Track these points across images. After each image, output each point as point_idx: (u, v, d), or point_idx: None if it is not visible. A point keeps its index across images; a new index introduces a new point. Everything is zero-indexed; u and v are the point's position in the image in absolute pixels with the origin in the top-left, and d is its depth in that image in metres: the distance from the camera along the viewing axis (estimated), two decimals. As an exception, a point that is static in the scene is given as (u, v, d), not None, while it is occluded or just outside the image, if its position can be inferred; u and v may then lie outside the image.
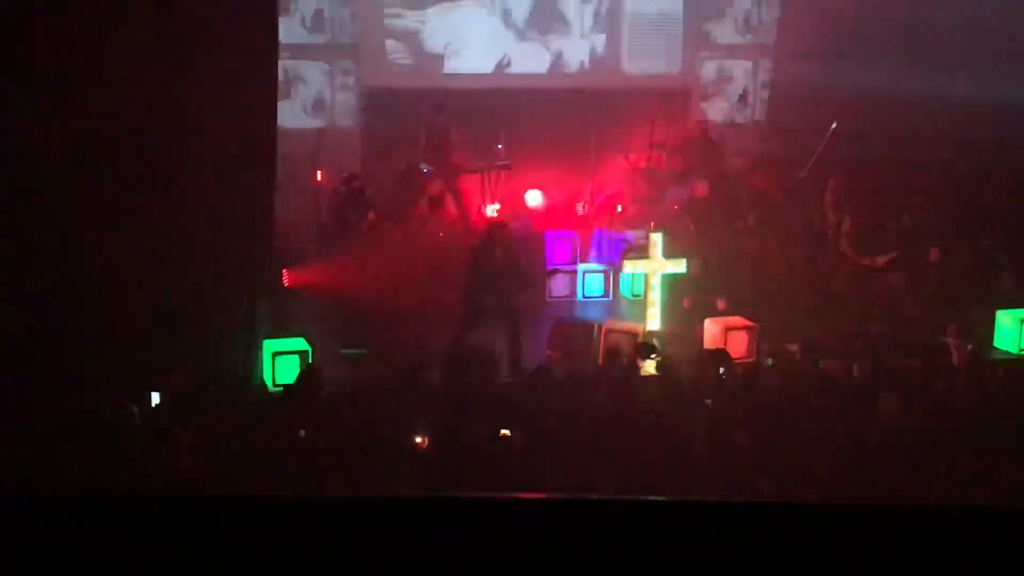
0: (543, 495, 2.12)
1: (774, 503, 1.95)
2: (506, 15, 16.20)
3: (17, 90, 9.58)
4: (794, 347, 11.17)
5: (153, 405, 9.59)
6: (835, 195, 14.05)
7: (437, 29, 16.08)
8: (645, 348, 11.09)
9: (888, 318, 12.51)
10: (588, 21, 16.43)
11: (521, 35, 16.29)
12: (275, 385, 11.01)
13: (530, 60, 16.34)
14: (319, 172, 14.47)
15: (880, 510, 2.02)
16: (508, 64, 16.30)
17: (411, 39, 16.06)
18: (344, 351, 11.82)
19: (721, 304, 12.76)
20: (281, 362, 11.11)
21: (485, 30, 16.19)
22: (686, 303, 13.02)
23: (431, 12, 16.02)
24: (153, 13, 9.92)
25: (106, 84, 9.65)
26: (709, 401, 9.93)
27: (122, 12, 9.76)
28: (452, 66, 16.17)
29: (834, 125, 14.28)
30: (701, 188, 14.23)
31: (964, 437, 8.89)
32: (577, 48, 16.47)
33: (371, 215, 14.09)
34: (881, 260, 13.20)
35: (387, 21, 15.96)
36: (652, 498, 2.00)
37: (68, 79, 9.60)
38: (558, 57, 16.42)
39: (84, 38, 9.62)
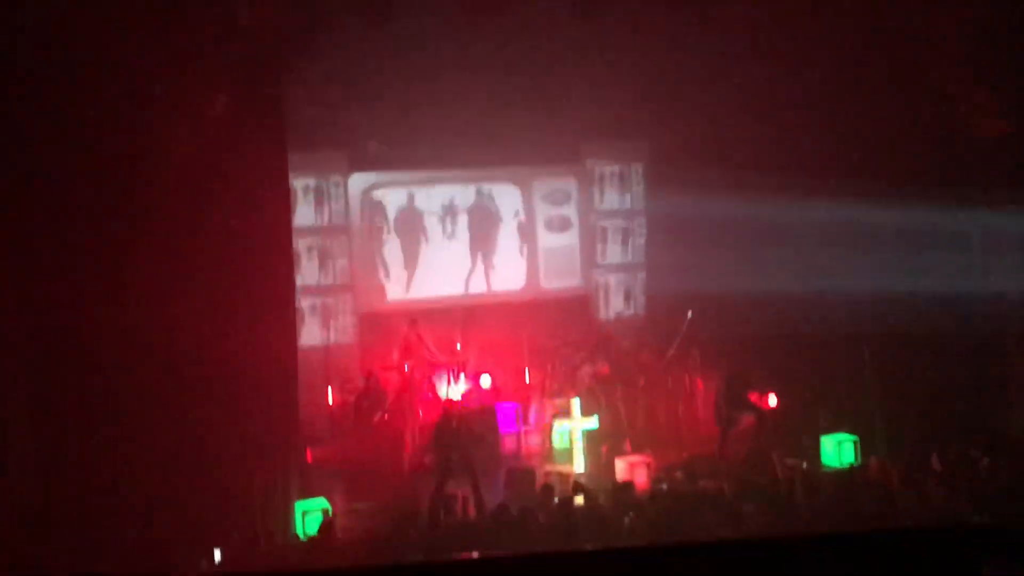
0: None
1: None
2: (460, 255, 16.65)
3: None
4: (679, 474, 11.25)
5: (216, 560, 9.47)
6: (697, 363, 14.31)
7: (408, 262, 16.44)
8: (576, 485, 11.15)
9: (744, 448, 12.64)
10: (516, 254, 16.89)
11: (471, 266, 16.70)
12: (304, 535, 10.84)
13: (477, 284, 16.71)
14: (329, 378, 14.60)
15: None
16: (463, 287, 16.63)
17: (389, 273, 16.40)
18: (355, 505, 11.73)
19: (627, 446, 12.86)
20: (308, 518, 10.91)
21: (443, 264, 16.59)
22: (603, 448, 13.10)
23: (402, 251, 16.42)
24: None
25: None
26: (627, 520, 9.98)
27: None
28: (420, 290, 16.45)
29: (690, 314, 14.55)
30: (603, 367, 14.42)
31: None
32: (511, 273, 16.88)
33: (382, 409, 14.00)
34: (744, 415, 13.31)
35: (372, 261, 16.29)
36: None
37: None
38: (496, 280, 16.79)
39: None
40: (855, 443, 12.39)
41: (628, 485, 11.01)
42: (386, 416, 13.85)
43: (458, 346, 15.42)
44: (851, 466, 11.90)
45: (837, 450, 12.36)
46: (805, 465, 11.43)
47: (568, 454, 13.04)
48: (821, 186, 13.32)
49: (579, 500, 10.74)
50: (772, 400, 13.39)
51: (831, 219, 13.66)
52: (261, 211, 10.74)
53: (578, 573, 1.83)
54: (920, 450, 11.04)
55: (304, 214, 15.45)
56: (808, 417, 13.18)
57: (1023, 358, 12.76)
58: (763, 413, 13.25)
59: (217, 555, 9.44)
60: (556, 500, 10.70)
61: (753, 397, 13.38)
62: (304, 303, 15.13)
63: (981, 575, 1.51)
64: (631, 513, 10.01)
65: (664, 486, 11.17)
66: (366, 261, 16.24)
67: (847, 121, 13.30)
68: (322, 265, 15.81)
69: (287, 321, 11.25)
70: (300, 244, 14.75)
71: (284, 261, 11.34)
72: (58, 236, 9.28)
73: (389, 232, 16.41)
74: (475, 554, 7.71)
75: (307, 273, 15.45)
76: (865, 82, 12.99)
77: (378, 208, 16.33)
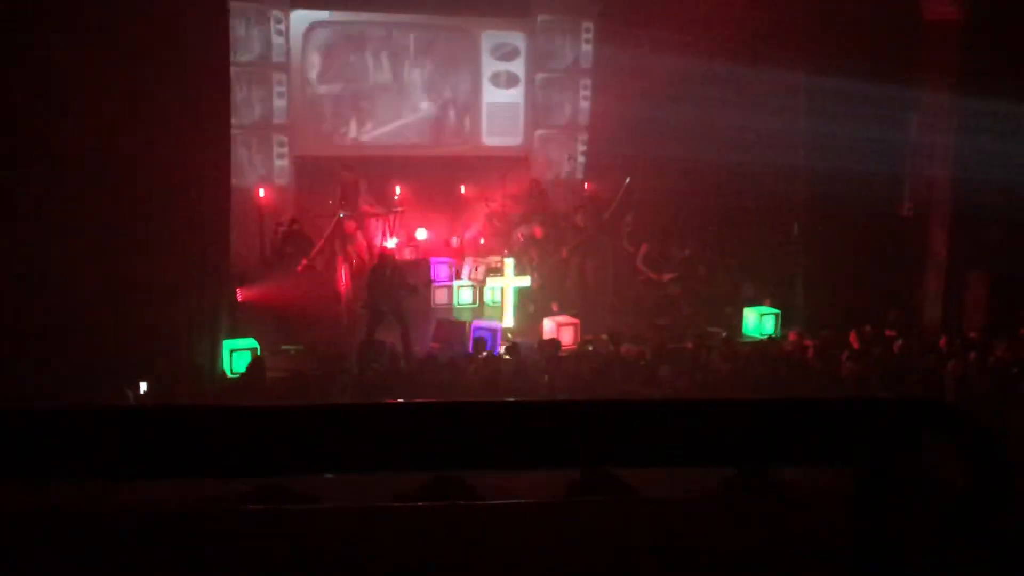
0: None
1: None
2: (404, 103, 16.20)
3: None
4: (604, 337, 11.41)
5: (142, 391, 9.41)
6: (630, 228, 14.31)
7: (349, 107, 15.98)
8: (504, 342, 11.26)
9: (669, 316, 12.85)
10: (461, 107, 16.47)
11: (412, 117, 16.27)
12: (232, 373, 10.86)
13: (419, 135, 16.34)
14: (262, 219, 14.29)
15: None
16: (404, 137, 16.24)
17: (329, 116, 15.93)
18: (283, 347, 11.70)
19: (555, 307, 12.95)
20: (236, 356, 10.93)
21: (386, 111, 16.15)
22: (531, 307, 13.20)
23: (344, 94, 15.94)
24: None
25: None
26: (547, 377, 10.15)
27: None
28: (359, 136, 16.04)
29: (628, 179, 14.45)
30: (538, 229, 14.33)
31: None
32: (453, 127, 16.49)
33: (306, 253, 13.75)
34: (666, 276, 13.46)
35: (312, 102, 15.77)
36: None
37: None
38: (439, 133, 16.43)
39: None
40: (777, 316, 12.67)
41: (555, 345, 11.14)
42: (308, 263, 13.63)
43: (395, 196, 15.17)
44: (769, 337, 12.13)
45: (759, 322, 12.63)
46: (725, 335, 11.65)
47: (498, 311, 13.12)
48: (770, 55, 13.15)
49: (506, 356, 10.87)
50: (701, 271, 13.55)
51: (776, 90, 13.53)
52: (198, 38, 10.25)
53: (500, 422, 1.75)
54: (839, 327, 11.32)
55: (243, 47, 14.77)
56: (733, 288, 13.39)
57: (944, 244, 13.00)
58: (690, 282, 13.44)
59: (143, 387, 9.38)
60: (483, 354, 10.82)
61: (682, 265, 13.54)
62: (240, 139, 14.63)
63: (919, 447, 1.48)
64: (554, 371, 10.19)
65: (590, 347, 11.36)
66: (305, 102, 15.72)
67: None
68: (260, 102, 15.26)
69: (221, 155, 10.93)
70: (237, 78, 14.10)
71: (220, 93, 10.92)
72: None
73: (330, 73, 15.83)
74: (400, 400, 7.71)
75: (243, 109, 14.90)
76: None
77: (320, 47, 15.70)
